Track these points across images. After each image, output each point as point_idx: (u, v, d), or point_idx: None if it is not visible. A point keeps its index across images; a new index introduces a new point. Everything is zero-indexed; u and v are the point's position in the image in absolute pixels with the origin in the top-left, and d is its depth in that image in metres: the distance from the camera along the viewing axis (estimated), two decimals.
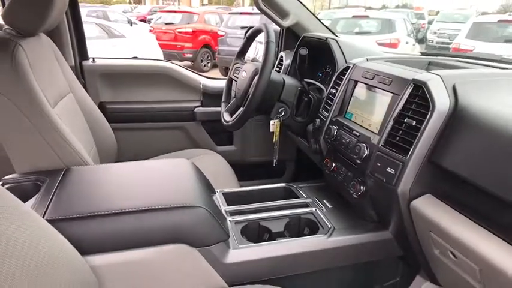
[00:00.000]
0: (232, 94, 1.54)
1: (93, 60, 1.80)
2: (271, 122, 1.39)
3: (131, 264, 0.85)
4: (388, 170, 0.92)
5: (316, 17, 1.74)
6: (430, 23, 14.59)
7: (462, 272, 0.84)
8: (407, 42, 7.63)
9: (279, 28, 1.78)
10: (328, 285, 1.10)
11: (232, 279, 0.94)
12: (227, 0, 31.01)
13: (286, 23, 1.67)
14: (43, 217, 0.83)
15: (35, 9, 1.12)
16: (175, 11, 9.39)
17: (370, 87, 1.09)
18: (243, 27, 6.59)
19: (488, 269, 0.74)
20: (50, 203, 0.88)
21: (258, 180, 1.90)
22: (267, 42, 1.25)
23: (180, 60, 8.06)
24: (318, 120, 1.28)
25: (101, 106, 1.75)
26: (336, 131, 1.15)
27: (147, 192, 0.93)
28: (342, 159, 1.15)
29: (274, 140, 1.42)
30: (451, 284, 1.01)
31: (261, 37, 1.37)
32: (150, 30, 8.52)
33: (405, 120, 0.91)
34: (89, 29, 6.28)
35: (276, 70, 1.74)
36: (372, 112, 1.05)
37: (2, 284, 0.55)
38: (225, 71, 7.54)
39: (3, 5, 1.52)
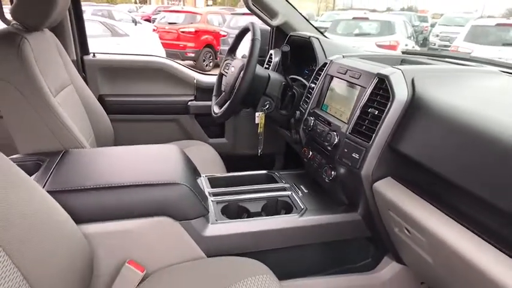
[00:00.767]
0: (222, 88, 1.64)
1: (94, 55, 1.91)
2: (257, 114, 1.48)
3: (120, 233, 0.95)
4: (354, 155, 1.02)
5: (304, 17, 1.83)
6: (432, 26, 14.64)
7: (416, 246, 0.94)
8: (406, 45, 7.71)
9: (268, 28, 1.88)
10: (302, 261, 1.20)
11: (210, 251, 1.04)
12: (231, 1, 31.12)
13: (275, 22, 1.78)
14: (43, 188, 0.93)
15: (39, 6, 1.23)
16: (178, 11, 9.52)
17: (343, 81, 1.19)
18: None
19: (433, 240, 0.83)
20: (49, 178, 0.98)
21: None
22: (253, 40, 1.35)
23: (182, 60, 8.17)
24: (298, 112, 1.38)
25: (100, 98, 1.86)
26: (312, 121, 1.25)
27: (136, 171, 1.04)
28: (317, 148, 1.24)
29: (259, 131, 1.52)
30: (411, 261, 1.11)
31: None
32: (154, 30, 8.64)
33: (369, 110, 1.01)
34: (93, 27, 6.41)
35: (265, 67, 1.84)
36: (344, 104, 1.15)
37: (10, 239, 0.66)
38: None
39: (12, 2, 1.63)
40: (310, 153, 1.29)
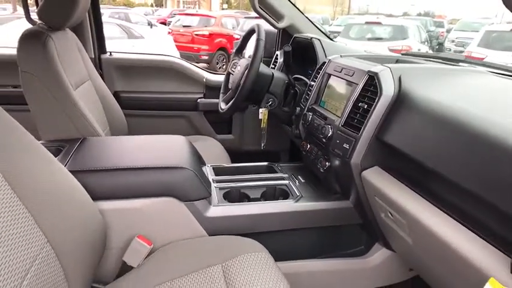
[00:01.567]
0: (229, 86, 1.74)
1: (110, 54, 2.04)
2: (260, 110, 1.58)
3: (130, 210, 1.06)
4: (344, 145, 1.10)
5: (309, 20, 1.93)
6: (448, 31, 14.55)
7: (398, 228, 1.02)
8: (419, 50, 7.73)
9: (275, 30, 1.98)
10: (297, 245, 1.29)
11: (211, 230, 1.14)
12: (247, 4, 31.34)
13: (281, 24, 1.88)
14: None
15: (63, 7, 1.36)
16: (193, 14, 9.70)
17: (339, 79, 1.28)
18: None
19: (412, 221, 0.92)
20: (69, 160, 1.10)
21: None
22: (257, 40, 1.45)
23: (197, 62, 8.33)
24: (298, 109, 1.47)
25: (116, 94, 1.99)
26: (310, 116, 1.34)
27: (147, 156, 1.15)
28: (314, 141, 1.33)
29: (262, 126, 1.62)
30: (399, 247, 1.19)
31: None
32: (169, 32, 8.83)
33: (360, 105, 1.10)
34: (110, 30, 6.61)
35: (271, 67, 1.94)
36: (338, 99, 1.24)
37: (39, 208, 0.77)
38: None
39: (37, 4, 1.77)
40: (308, 146, 1.38)
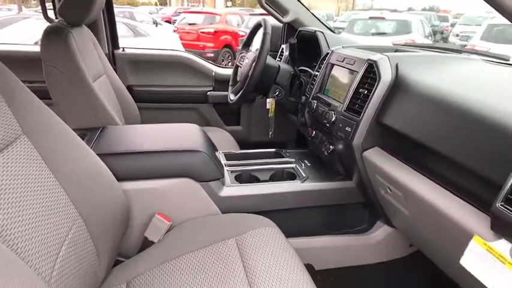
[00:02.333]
0: (237, 78, 1.83)
1: (123, 50, 2.14)
2: (268, 100, 1.67)
3: (151, 190, 1.16)
4: (347, 128, 1.19)
5: (312, 14, 2.02)
6: (453, 25, 14.52)
7: (396, 202, 1.11)
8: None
9: (281, 24, 2.07)
10: (304, 223, 1.38)
11: (224, 208, 1.24)
12: (251, 2, 31.38)
13: (286, 19, 1.97)
14: None
15: (82, 5, 1.46)
16: (198, 12, 9.80)
17: (341, 68, 1.36)
18: None
19: (408, 193, 1.01)
20: (92, 145, 1.20)
21: None
22: (264, 34, 1.54)
23: None
24: (303, 98, 1.56)
25: (129, 88, 2.09)
26: (315, 104, 1.43)
27: (165, 141, 1.24)
28: (319, 126, 1.42)
29: (269, 115, 1.71)
30: (399, 224, 1.27)
31: None
32: (174, 30, 8.94)
33: (360, 91, 1.19)
34: (118, 28, 6.72)
35: (277, 60, 2.03)
36: (341, 87, 1.33)
37: (72, 186, 0.87)
38: None
39: (54, 7, 1.88)
40: (314, 132, 1.47)
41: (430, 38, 9.20)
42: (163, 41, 7.62)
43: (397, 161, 1.08)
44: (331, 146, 1.32)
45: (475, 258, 0.76)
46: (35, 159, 0.82)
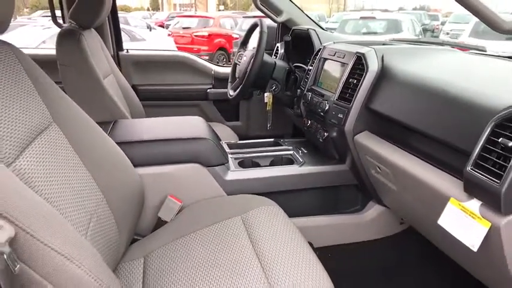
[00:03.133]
0: (236, 75, 1.95)
1: (127, 51, 2.26)
2: (265, 94, 1.80)
3: (163, 174, 1.28)
4: (339, 115, 1.32)
5: (305, 14, 2.14)
6: (443, 24, 14.72)
7: (385, 179, 1.23)
8: None
9: (275, 24, 2.20)
10: (302, 204, 1.50)
11: (230, 191, 1.36)
12: (243, 5, 31.56)
13: (280, 19, 2.09)
14: None
15: (92, 9, 1.58)
16: (192, 16, 9.92)
17: (333, 62, 1.49)
18: None
19: (395, 169, 1.13)
20: (108, 135, 1.31)
21: None
22: (260, 32, 1.66)
23: None
24: (299, 91, 1.68)
25: (134, 87, 2.20)
26: (310, 95, 1.55)
27: (174, 131, 1.37)
28: (314, 117, 1.54)
29: (267, 108, 1.83)
30: (390, 202, 1.40)
31: None
32: (169, 34, 9.05)
33: (350, 81, 1.31)
34: None
35: (273, 57, 2.15)
36: (333, 79, 1.45)
37: (96, 169, 0.98)
38: None
39: (63, 15, 2.00)
40: (309, 122, 1.59)
41: (420, 36, 9.36)
42: (158, 45, 7.73)
43: (385, 142, 1.20)
44: (325, 133, 1.44)
45: (451, 218, 0.88)
46: (65, 145, 0.94)
